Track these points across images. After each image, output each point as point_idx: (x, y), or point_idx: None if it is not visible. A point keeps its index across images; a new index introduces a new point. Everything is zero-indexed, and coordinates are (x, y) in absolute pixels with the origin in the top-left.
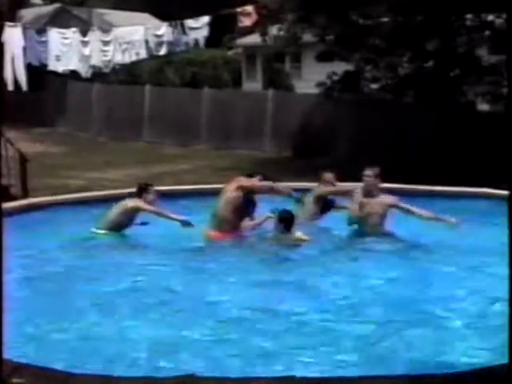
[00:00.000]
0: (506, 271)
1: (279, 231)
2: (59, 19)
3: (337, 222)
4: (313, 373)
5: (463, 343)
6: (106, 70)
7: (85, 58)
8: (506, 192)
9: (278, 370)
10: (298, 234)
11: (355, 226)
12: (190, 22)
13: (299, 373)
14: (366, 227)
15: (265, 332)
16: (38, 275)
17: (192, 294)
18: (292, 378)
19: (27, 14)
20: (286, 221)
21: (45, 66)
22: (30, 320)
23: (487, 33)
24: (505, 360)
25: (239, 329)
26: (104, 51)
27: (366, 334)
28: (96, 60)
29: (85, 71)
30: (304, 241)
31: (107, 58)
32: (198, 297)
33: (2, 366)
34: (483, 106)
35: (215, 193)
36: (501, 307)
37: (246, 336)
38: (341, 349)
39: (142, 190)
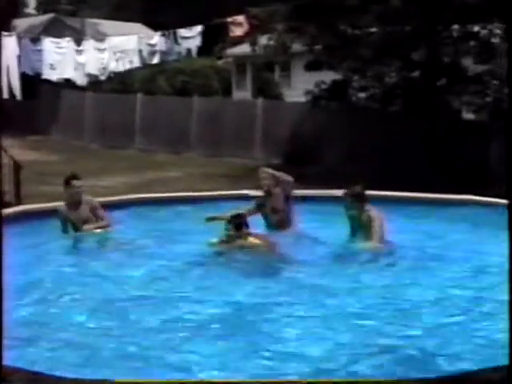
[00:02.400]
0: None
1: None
2: (52, 29)
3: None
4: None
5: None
6: (102, 78)
7: (80, 67)
8: (491, 199)
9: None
10: (251, 238)
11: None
12: (182, 32)
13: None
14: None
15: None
16: (32, 281)
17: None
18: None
19: (21, 23)
20: (235, 223)
21: (39, 74)
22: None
23: (472, 43)
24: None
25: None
26: (99, 59)
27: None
28: (91, 68)
29: (80, 79)
30: (258, 246)
31: (103, 66)
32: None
33: None
34: (468, 115)
35: (205, 200)
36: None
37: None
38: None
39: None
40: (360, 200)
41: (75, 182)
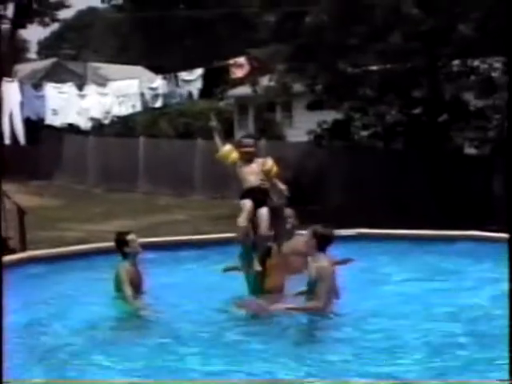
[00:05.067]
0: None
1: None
2: (55, 73)
3: None
4: None
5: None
6: (106, 122)
7: (83, 111)
8: (493, 234)
9: None
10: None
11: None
12: (183, 75)
13: None
14: None
15: None
16: (38, 326)
17: None
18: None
19: (23, 68)
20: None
21: (42, 119)
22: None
23: (473, 78)
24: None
25: None
26: (102, 103)
27: None
28: (95, 112)
29: (84, 124)
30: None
31: (106, 110)
32: None
33: None
34: (471, 150)
35: (211, 242)
36: None
37: None
38: None
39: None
40: (319, 242)
41: (131, 237)
